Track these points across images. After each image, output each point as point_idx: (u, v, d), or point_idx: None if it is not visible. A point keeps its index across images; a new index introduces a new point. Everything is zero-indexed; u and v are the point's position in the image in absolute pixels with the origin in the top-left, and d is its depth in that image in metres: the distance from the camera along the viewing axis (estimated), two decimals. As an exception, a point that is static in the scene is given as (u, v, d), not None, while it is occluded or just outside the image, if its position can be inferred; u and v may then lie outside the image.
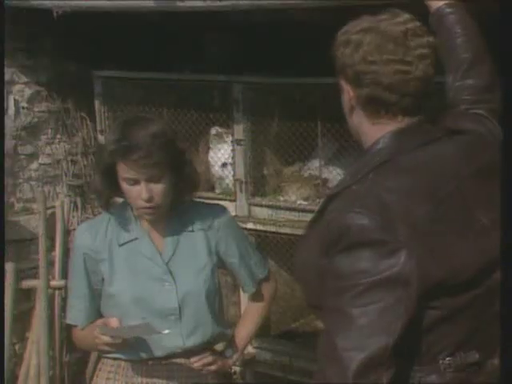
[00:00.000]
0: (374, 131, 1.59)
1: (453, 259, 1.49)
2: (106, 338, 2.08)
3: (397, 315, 1.42)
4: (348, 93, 1.59)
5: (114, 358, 2.23)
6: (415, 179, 1.53)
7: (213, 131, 3.31)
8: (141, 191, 2.06)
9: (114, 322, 2.10)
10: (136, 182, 2.06)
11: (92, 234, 2.20)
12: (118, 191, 2.14)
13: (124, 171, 2.06)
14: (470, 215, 1.55)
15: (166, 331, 2.10)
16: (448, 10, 1.92)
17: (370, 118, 1.59)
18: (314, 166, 3.17)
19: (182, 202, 2.22)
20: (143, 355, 2.20)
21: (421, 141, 1.58)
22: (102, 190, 2.14)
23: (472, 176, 1.58)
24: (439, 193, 1.52)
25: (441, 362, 1.52)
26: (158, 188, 2.08)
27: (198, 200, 2.37)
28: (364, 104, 1.58)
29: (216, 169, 3.31)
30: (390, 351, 1.41)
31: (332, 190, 1.60)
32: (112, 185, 2.12)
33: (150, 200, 2.07)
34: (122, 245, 2.18)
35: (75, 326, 2.26)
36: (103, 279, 2.19)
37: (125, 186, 2.08)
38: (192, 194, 2.24)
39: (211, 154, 3.34)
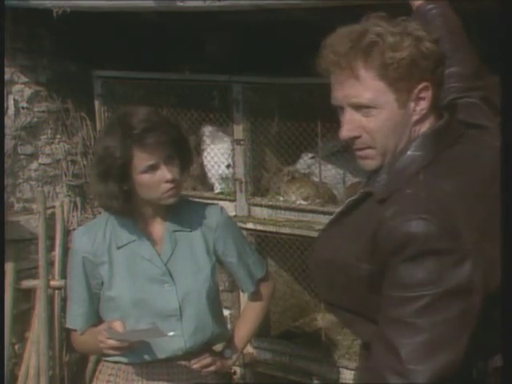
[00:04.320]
0: (415, 131, 1.53)
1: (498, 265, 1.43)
2: (113, 342, 2.07)
3: (464, 327, 1.38)
4: (426, 99, 1.49)
5: (115, 362, 2.22)
6: (466, 180, 1.48)
7: (206, 131, 3.32)
8: (163, 174, 2.08)
9: (118, 326, 2.09)
10: (156, 167, 2.07)
11: (90, 237, 2.19)
12: (131, 191, 2.12)
13: (142, 160, 2.06)
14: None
15: (171, 333, 2.10)
16: (429, 6, 1.91)
17: (434, 117, 1.53)
18: (304, 162, 3.18)
19: (179, 198, 2.22)
20: (145, 358, 2.19)
21: (454, 137, 1.54)
22: (118, 193, 2.09)
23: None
24: (489, 193, 1.48)
25: (474, 369, 1.50)
26: (175, 165, 2.11)
27: (196, 200, 2.37)
28: (438, 102, 1.51)
29: (219, 172, 3.32)
30: (459, 364, 1.38)
31: (380, 194, 1.51)
32: (126, 185, 2.10)
33: (173, 180, 2.09)
34: (121, 247, 2.18)
35: (74, 330, 2.25)
36: (102, 282, 2.19)
37: (144, 177, 2.08)
38: (189, 171, 2.27)
39: (208, 151, 3.35)
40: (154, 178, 2.09)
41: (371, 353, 1.48)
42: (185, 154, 2.19)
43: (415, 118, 1.51)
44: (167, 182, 2.09)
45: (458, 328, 1.38)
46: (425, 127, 1.53)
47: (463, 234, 1.39)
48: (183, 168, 2.18)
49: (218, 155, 3.30)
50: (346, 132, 1.53)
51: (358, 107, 1.50)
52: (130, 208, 2.15)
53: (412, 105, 1.49)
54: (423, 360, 1.36)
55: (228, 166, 3.28)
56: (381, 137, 1.50)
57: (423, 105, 1.50)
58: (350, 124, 1.52)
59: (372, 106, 1.48)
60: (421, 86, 1.48)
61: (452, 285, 1.37)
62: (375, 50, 1.46)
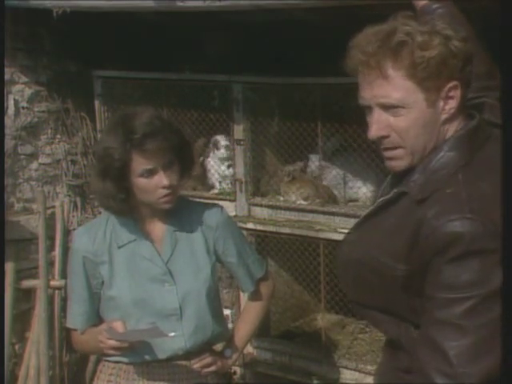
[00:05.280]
0: (445, 130, 1.52)
1: None
2: (113, 342, 2.07)
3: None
4: (455, 98, 1.48)
5: (116, 362, 2.22)
6: (498, 181, 1.45)
7: (221, 142, 3.32)
8: (160, 179, 2.07)
9: (118, 326, 2.09)
10: (153, 172, 2.06)
11: (91, 236, 2.19)
12: (129, 192, 2.12)
13: (140, 164, 2.05)
14: None
15: (172, 334, 2.09)
16: (435, 5, 1.90)
17: (462, 116, 1.52)
18: (313, 164, 3.18)
19: (179, 198, 2.21)
20: (145, 358, 2.19)
21: (484, 138, 1.53)
22: (116, 194, 2.09)
23: None
24: None
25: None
26: (173, 172, 2.09)
27: (196, 200, 2.37)
28: (465, 101, 1.50)
29: (219, 172, 3.32)
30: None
31: (418, 194, 1.49)
32: (124, 186, 2.10)
33: (170, 186, 2.08)
34: (121, 246, 2.18)
35: (75, 330, 2.25)
36: (103, 282, 2.18)
37: (141, 180, 2.07)
38: (190, 175, 2.25)
39: (212, 155, 3.36)
40: (151, 182, 2.08)
41: (416, 354, 1.46)
42: (186, 160, 2.17)
43: (444, 117, 1.50)
44: (164, 187, 2.08)
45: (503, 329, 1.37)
46: (454, 127, 1.52)
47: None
48: (183, 172, 2.17)
49: (220, 158, 3.32)
50: (374, 132, 1.52)
51: (387, 107, 1.49)
52: (127, 208, 2.14)
53: (441, 104, 1.49)
54: (472, 362, 1.36)
55: (229, 166, 3.28)
56: (410, 136, 1.50)
57: (452, 104, 1.49)
58: (379, 124, 1.51)
59: (401, 106, 1.48)
60: (450, 85, 1.48)
61: (496, 285, 1.36)
62: (404, 49, 1.45)
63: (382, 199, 1.59)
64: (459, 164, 1.48)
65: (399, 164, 1.54)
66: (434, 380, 1.38)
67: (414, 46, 1.45)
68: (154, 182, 2.08)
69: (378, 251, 1.52)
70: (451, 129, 1.52)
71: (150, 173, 2.07)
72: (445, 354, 1.37)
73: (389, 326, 1.61)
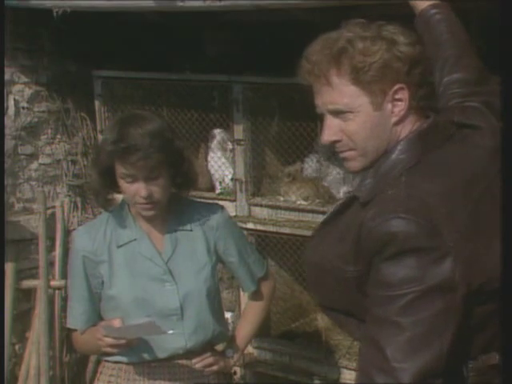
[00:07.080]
0: (397, 132, 1.54)
1: (489, 264, 1.45)
2: (110, 340, 2.07)
3: (447, 323, 1.39)
4: (403, 100, 1.51)
5: (116, 362, 2.22)
6: (450, 180, 1.49)
7: (217, 137, 3.31)
8: (139, 189, 2.06)
9: (116, 323, 2.09)
10: (135, 180, 2.06)
11: (91, 236, 2.19)
12: (117, 189, 2.14)
13: (122, 170, 2.06)
14: (498, 217, 1.48)
15: (171, 331, 2.09)
16: (433, 10, 1.94)
17: (416, 118, 1.54)
18: (313, 164, 3.18)
19: (180, 198, 2.22)
20: (145, 357, 2.19)
21: (442, 138, 1.55)
22: (99, 189, 2.14)
23: (497, 175, 1.52)
24: (474, 193, 1.49)
25: (464, 367, 1.50)
26: (156, 185, 2.08)
27: (196, 199, 2.37)
28: (419, 103, 1.52)
29: (221, 174, 3.32)
30: (444, 361, 1.38)
31: (363, 198, 1.52)
32: (110, 183, 2.12)
33: (148, 197, 2.07)
34: (121, 246, 2.18)
35: (75, 330, 2.25)
36: (103, 282, 2.18)
37: (123, 183, 2.08)
38: (189, 190, 2.24)
39: (211, 156, 3.35)
40: (131, 187, 2.08)
41: (360, 352, 1.50)
42: (179, 176, 2.15)
43: (394, 119, 1.53)
44: (142, 197, 2.08)
45: (440, 325, 1.39)
46: (407, 128, 1.54)
47: (444, 232, 1.40)
48: (179, 187, 2.17)
49: (223, 160, 3.31)
50: (326, 137, 1.57)
51: (336, 113, 1.53)
52: (109, 204, 2.17)
53: (389, 106, 1.52)
54: (408, 358, 1.37)
55: (232, 179, 3.27)
56: (360, 139, 1.53)
57: (401, 106, 1.52)
58: (330, 129, 1.55)
59: (348, 111, 1.52)
60: (395, 88, 1.50)
61: (433, 282, 1.38)
62: (345, 55, 1.49)
63: (338, 203, 1.63)
64: (406, 166, 1.50)
65: (354, 165, 1.58)
66: (372, 376, 1.40)
67: (354, 52, 1.48)
68: (133, 189, 2.08)
69: (331, 254, 1.55)
70: (404, 130, 1.54)
71: (131, 179, 2.06)
72: (382, 350, 1.39)
73: (352, 328, 1.63)
